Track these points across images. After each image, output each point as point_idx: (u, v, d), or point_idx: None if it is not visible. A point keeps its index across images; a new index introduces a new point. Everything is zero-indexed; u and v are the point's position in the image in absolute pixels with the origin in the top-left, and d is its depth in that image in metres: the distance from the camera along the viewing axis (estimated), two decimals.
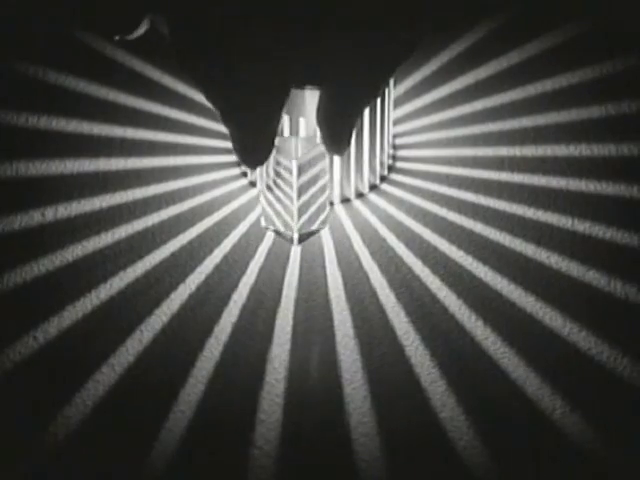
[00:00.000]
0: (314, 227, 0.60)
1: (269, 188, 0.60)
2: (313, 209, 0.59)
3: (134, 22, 0.57)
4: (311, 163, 0.58)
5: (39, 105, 0.70)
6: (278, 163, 0.59)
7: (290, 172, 0.58)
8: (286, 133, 0.61)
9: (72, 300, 0.58)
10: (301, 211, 0.59)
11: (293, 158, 0.58)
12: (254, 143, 0.55)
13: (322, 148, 0.57)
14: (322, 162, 0.59)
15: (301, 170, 0.58)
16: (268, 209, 0.61)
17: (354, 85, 0.55)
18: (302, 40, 0.53)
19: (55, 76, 0.72)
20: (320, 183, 0.59)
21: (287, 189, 0.59)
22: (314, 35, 0.54)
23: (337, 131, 0.56)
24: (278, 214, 0.60)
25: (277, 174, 0.59)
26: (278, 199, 0.60)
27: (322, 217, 0.60)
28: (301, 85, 0.57)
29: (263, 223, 0.61)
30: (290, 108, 0.60)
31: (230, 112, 0.55)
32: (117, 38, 0.57)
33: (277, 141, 0.57)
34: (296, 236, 0.59)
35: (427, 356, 0.55)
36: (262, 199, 0.60)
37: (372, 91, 0.56)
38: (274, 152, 0.58)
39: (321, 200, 0.60)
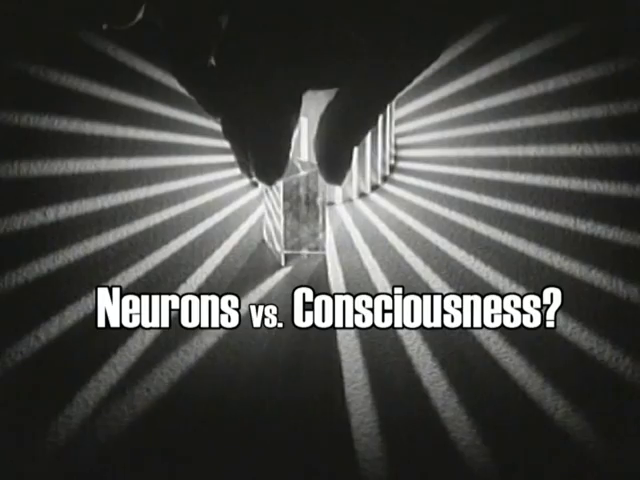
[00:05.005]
0: (304, 251, 0.60)
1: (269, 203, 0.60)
2: (304, 232, 0.59)
3: (129, 13, 0.56)
4: (302, 184, 0.58)
5: (40, 105, 0.70)
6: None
7: (279, 191, 0.58)
8: None
9: (73, 300, 0.58)
10: (288, 232, 0.59)
11: (283, 180, 0.57)
12: (271, 159, 0.54)
13: (317, 170, 0.57)
14: (315, 184, 0.58)
15: (289, 192, 0.58)
16: (267, 225, 0.61)
17: (355, 109, 0.54)
18: (315, 48, 0.53)
19: (56, 76, 0.73)
20: (313, 208, 0.59)
21: (277, 209, 0.59)
22: (325, 43, 0.53)
23: (335, 159, 0.55)
24: (273, 232, 0.60)
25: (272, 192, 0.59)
26: (272, 218, 0.60)
27: (315, 241, 0.60)
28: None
29: (265, 237, 0.61)
30: None
31: (232, 126, 0.54)
32: (105, 27, 0.56)
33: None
34: (283, 256, 0.60)
35: (428, 356, 0.55)
36: (265, 217, 0.60)
37: (372, 115, 0.55)
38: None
39: (314, 225, 0.60)
